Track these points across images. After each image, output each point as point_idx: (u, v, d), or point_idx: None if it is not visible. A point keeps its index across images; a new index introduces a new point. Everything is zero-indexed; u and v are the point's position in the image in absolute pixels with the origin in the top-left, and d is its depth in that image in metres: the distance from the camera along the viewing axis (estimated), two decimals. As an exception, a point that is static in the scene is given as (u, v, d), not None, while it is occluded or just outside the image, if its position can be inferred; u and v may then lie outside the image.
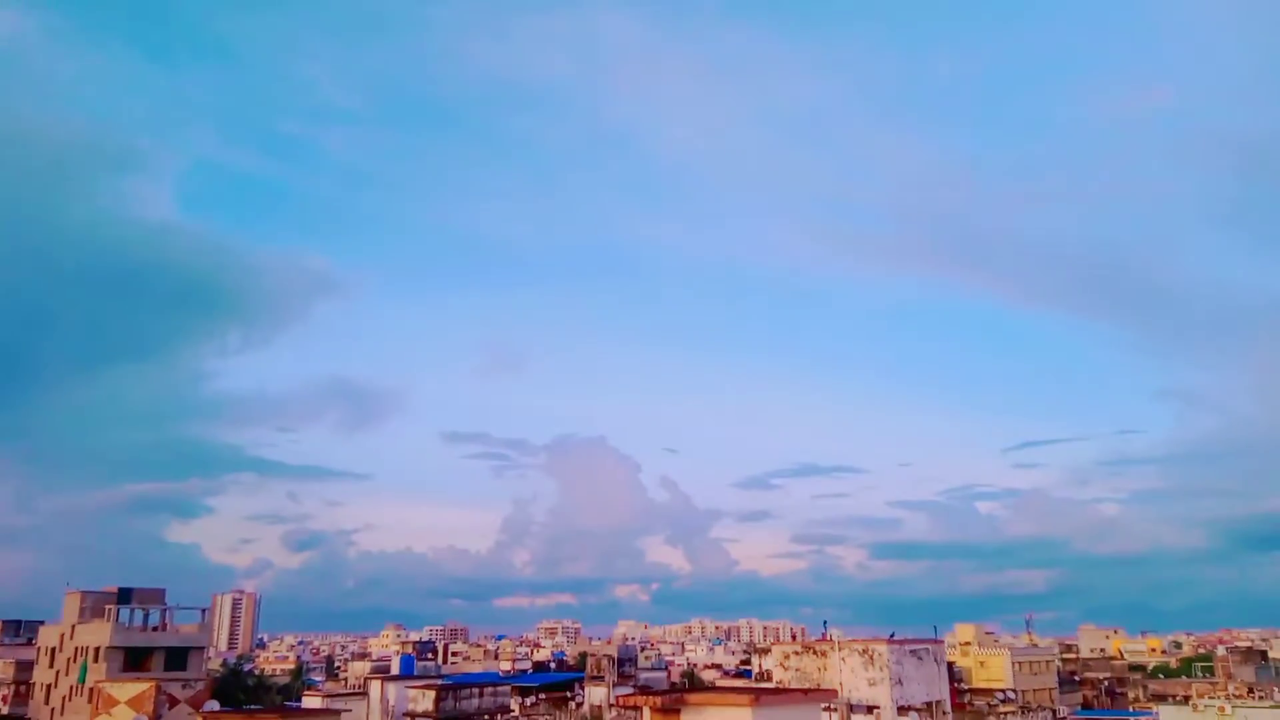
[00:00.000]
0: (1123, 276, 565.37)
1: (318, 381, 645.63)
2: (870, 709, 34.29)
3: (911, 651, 34.74)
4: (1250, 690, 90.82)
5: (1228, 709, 57.47)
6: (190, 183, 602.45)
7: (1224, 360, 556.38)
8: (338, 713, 49.67)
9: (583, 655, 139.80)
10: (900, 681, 33.51)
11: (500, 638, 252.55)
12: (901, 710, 36.06)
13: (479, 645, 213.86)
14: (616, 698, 78.29)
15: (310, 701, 71.92)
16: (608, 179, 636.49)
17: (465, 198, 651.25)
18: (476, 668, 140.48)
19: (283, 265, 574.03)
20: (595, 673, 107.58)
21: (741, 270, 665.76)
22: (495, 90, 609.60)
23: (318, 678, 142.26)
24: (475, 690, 59.00)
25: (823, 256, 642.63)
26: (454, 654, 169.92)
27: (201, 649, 64.18)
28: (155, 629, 63.39)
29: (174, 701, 53.36)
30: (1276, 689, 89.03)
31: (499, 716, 60.68)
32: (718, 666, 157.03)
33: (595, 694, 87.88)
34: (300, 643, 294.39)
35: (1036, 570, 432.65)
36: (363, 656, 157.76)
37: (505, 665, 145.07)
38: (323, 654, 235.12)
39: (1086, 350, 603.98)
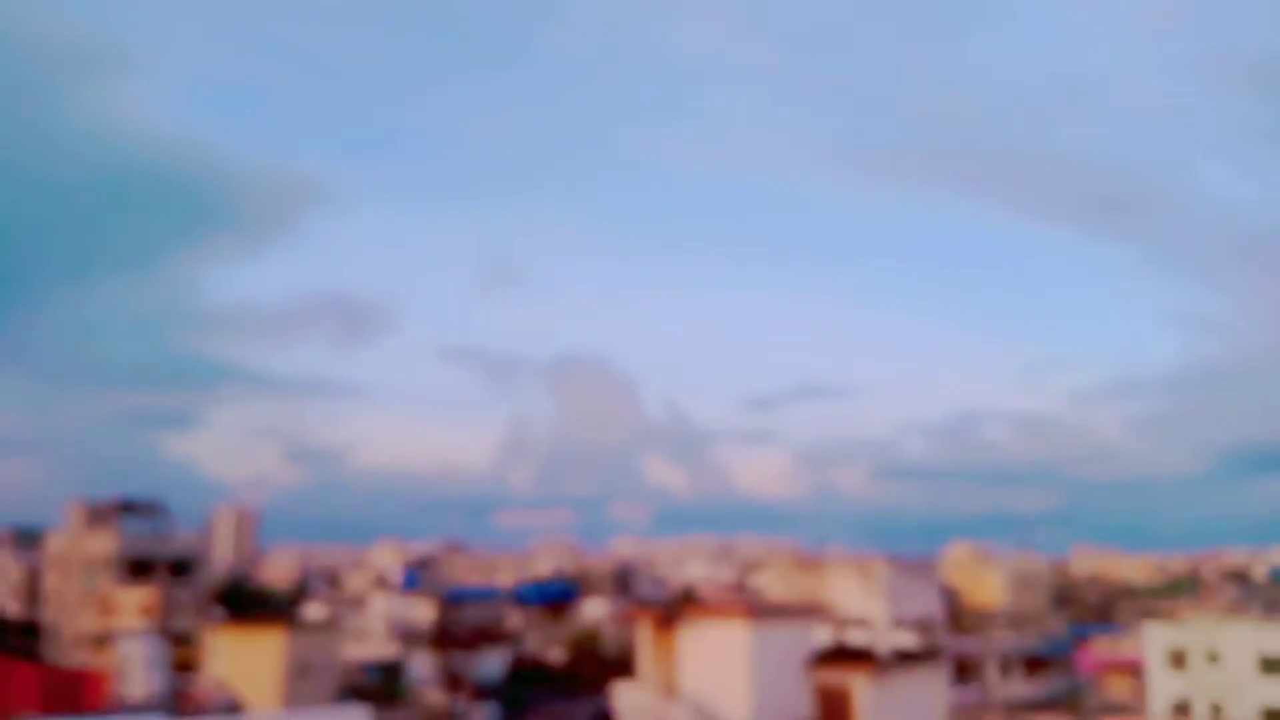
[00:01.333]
0: (1134, 196, 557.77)
1: (311, 295, 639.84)
2: (865, 624, 34.74)
3: (907, 569, 35.04)
4: (1233, 608, 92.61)
5: (1212, 626, 58.64)
6: (178, 85, 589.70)
7: (1235, 284, 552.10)
8: (339, 623, 50.53)
9: (581, 571, 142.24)
10: (895, 598, 33.84)
11: (499, 553, 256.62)
12: (896, 625, 36.52)
13: (478, 560, 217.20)
14: (615, 612, 79.81)
15: (313, 612, 73.29)
16: (612, 89, 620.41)
17: (463, 105, 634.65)
18: (476, 582, 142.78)
19: (274, 173, 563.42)
20: (593, 588, 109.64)
21: (746, 185, 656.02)
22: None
23: (319, 590, 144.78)
24: (475, 604, 59.92)
25: (829, 170, 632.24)
26: (453, 569, 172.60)
27: (203, 560, 64.98)
28: (157, 540, 64.07)
29: (178, 609, 54.24)
30: (1258, 606, 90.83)
31: (498, 629, 61.70)
32: (715, 583, 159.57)
33: (593, 608, 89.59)
34: (301, 555, 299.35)
35: (1036, 491, 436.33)
36: (363, 569, 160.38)
37: (504, 580, 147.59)
38: (323, 566, 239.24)
39: (1095, 271, 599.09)
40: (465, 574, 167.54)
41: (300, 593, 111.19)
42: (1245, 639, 56.71)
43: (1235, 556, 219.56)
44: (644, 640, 32.56)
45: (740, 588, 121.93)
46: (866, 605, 33.84)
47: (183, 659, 44.93)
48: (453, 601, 59.72)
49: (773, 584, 37.08)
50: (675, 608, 35.12)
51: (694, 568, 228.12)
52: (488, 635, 58.80)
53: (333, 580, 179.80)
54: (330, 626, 48.11)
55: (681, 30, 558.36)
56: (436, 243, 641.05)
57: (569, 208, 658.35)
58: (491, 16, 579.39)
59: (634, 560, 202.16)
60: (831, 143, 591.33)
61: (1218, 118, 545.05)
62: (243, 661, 41.46)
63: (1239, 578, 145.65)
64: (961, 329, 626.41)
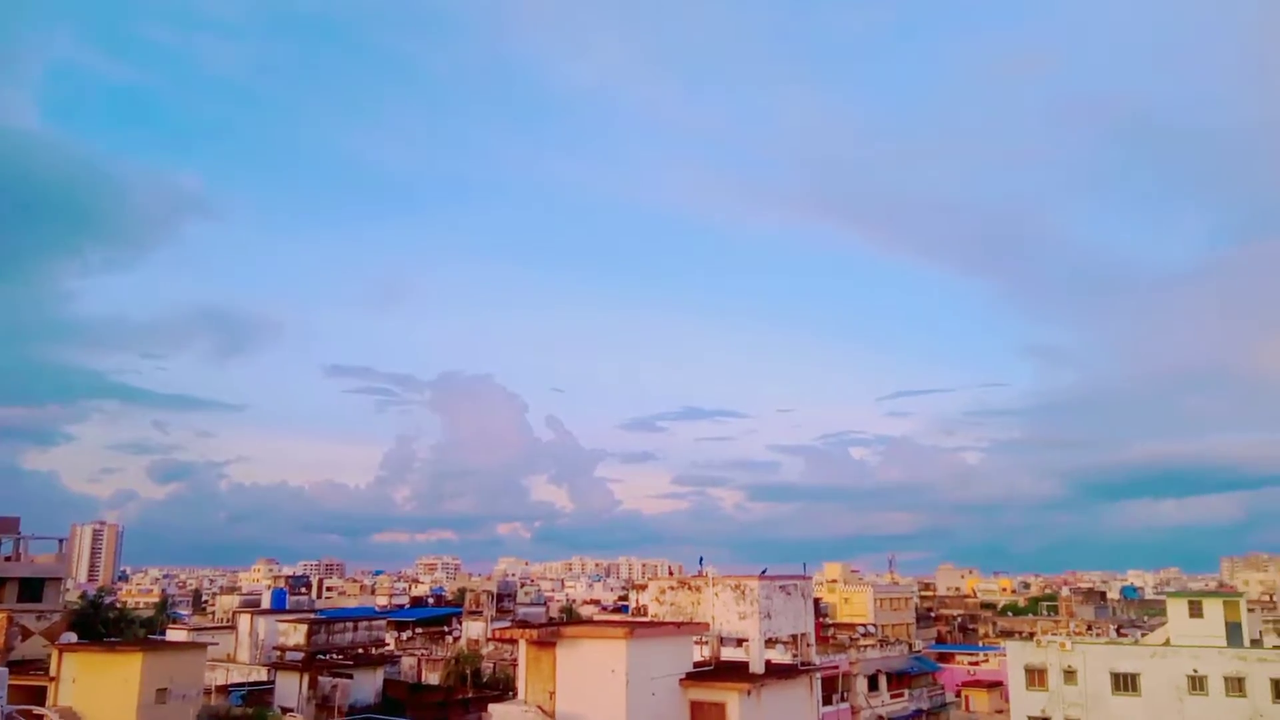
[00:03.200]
0: (996, 235, 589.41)
1: (188, 307, 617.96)
2: (740, 641, 35.46)
3: (781, 587, 35.95)
4: (1089, 627, 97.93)
5: (1068, 644, 61.99)
6: (51, 89, 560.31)
7: (1085, 320, 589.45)
8: (204, 646, 48.50)
9: (462, 591, 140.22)
10: (769, 615, 34.68)
11: (378, 573, 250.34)
12: (769, 642, 37.36)
13: (355, 581, 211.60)
14: (494, 631, 79.00)
15: (175, 635, 69.98)
16: (502, 110, 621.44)
17: (352, 121, 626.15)
18: (352, 603, 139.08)
19: (151, 182, 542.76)
20: (474, 607, 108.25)
21: (634, 210, 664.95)
22: (386, 9, 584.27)
23: (184, 611, 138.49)
24: (349, 624, 58.30)
25: (714, 201, 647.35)
26: (329, 589, 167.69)
27: (59, 580, 61.30)
28: (8, 559, 60.22)
29: (27, 633, 51.09)
30: (1112, 626, 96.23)
31: (373, 650, 60.23)
32: (596, 602, 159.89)
33: (473, 628, 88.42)
34: (166, 576, 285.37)
35: (903, 513, 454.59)
36: (232, 590, 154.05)
37: (382, 600, 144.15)
38: (189, 588, 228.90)
39: (959, 304, 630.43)
40: (342, 594, 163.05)
41: (163, 614, 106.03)
42: (1098, 657, 60.14)
43: (1090, 578, 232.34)
44: (523, 659, 32.52)
45: (621, 606, 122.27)
46: (742, 623, 34.58)
47: (32, 686, 42.37)
48: (326, 622, 57.95)
49: (652, 602, 37.49)
50: (554, 627, 35.16)
51: (576, 586, 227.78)
52: (362, 657, 57.31)
53: (199, 601, 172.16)
54: (194, 649, 46.14)
55: (575, 59, 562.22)
56: (323, 258, 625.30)
57: (460, 227, 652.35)
58: (388, 36, 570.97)
59: (517, 579, 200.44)
60: (718, 175, 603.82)
61: (1075, 163, 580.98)
62: (98, 687, 39.42)
63: (1098, 596, 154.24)
64: (835, 356, 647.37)
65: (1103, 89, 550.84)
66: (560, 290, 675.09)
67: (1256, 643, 59.72)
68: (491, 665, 69.73)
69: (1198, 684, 56.23)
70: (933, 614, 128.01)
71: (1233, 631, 58.50)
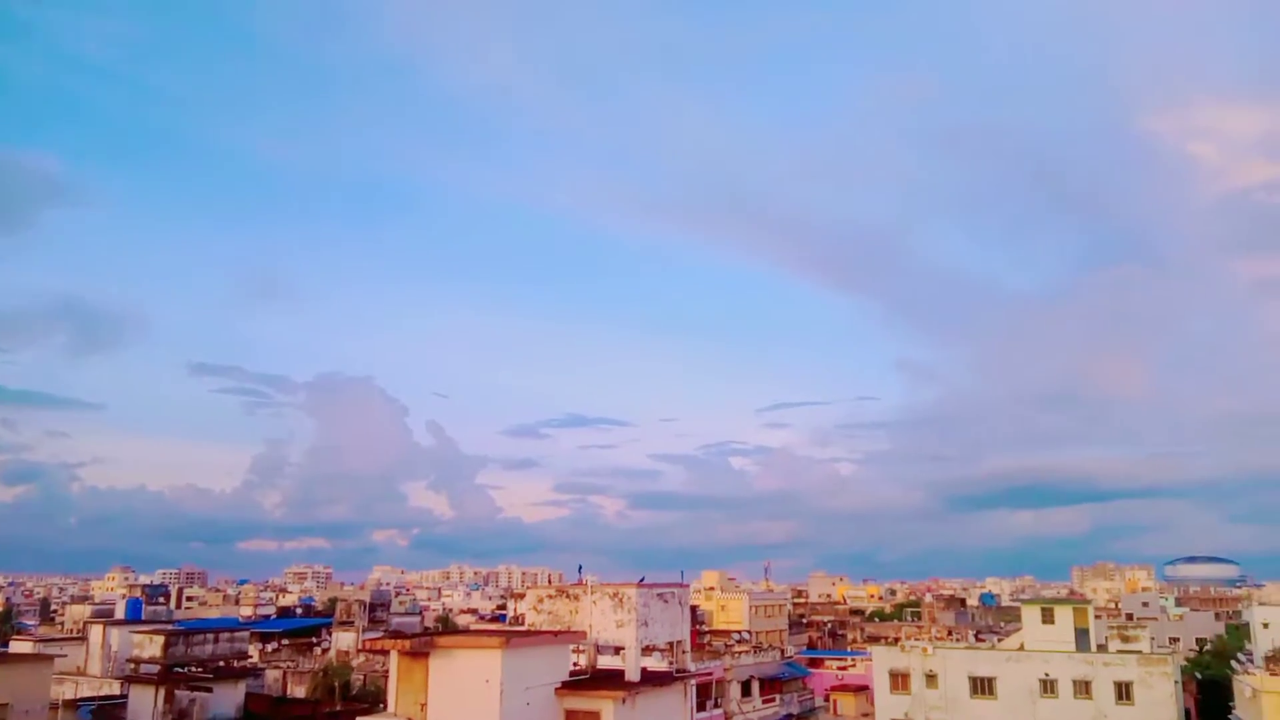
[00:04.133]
0: (873, 254, 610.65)
1: (43, 298, 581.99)
2: (617, 649, 35.51)
3: (659, 595, 36.16)
4: (950, 632, 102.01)
5: (930, 649, 64.48)
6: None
7: (951, 338, 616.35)
8: (51, 658, 45.57)
9: (333, 601, 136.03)
10: (646, 623, 34.83)
11: (243, 582, 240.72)
12: (646, 650, 37.55)
13: (218, 590, 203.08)
14: (365, 642, 76.92)
15: (19, 646, 65.55)
16: (386, 110, 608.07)
17: (232, 112, 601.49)
18: (214, 614, 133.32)
19: (2, 164, 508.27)
20: (345, 618, 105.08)
21: (523, 215, 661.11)
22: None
23: (30, 622, 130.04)
24: (210, 635, 55.66)
25: (604, 209, 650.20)
26: (189, 599, 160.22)
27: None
28: None
29: None
30: (971, 632, 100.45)
31: (235, 663, 57.75)
32: (474, 611, 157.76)
33: (343, 639, 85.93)
34: (11, 584, 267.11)
35: (779, 522, 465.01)
36: (84, 600, 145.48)
37: (246, 611, 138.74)
38: (37, 596, 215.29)
39: (837, 320, 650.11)
40: (204, 604, 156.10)
41: (7, 624, 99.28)
42: (959, 661, 62.74)
43: (952, 585, 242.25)
44: (394, 671, 31.73)
45: (499, 615, 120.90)
46: (619, 631, 34.63)
47: None
48: (185, 634, 55.23)
49: (530, 611, 37.17)
50: (428, 637, 34.44)
51: (454, 595, 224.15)
52: (223, 670, 54.84)
53: (47, 611, 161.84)
54: (39, 661, 43.30)
55: (466, 59, 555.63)
56: (194, 253, 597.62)
57: (341, 227, 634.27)
58: (276, 27, 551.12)
59: (392, 588, 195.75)
60: (610, 182, 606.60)
61: (947, 188, 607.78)
62: (-74, 704, 36.48)
63: (958, 603, 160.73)
64: (718, 367, 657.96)
65: (974, 119, 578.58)
66: (446, 293, 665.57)
67: (1102, 648, 63.32)
68: (362, 677, 67.90)
69: (1049, 687, 59.29)
70: (805, 620, 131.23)
71: (1081, 637, 61.92)
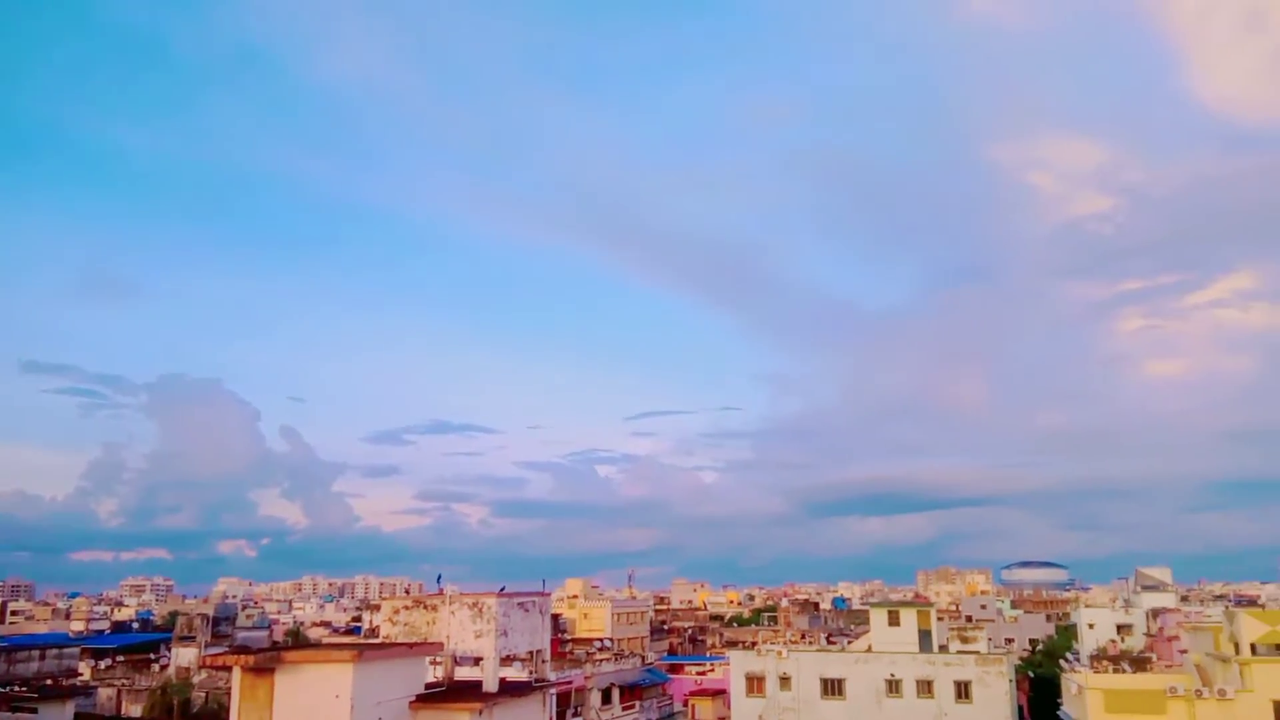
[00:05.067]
0: (740, 269, 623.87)
1: None
2: (477, 660, 34.99)
3: (519, 604, 35.85)
4: (803, 636, 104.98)
5: (784, 653, 66.19)
6: None
7: (811, 352, 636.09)
8: None
9: (173, 615, 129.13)
10: (506, 633, 34.47)
11: (74, 595, 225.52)
12: (506, 660, 37.16)
13: (47, 604, 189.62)
14: (205, 658, 73.21)
15: None
16: (245, 101, 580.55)
17: (62, 92, 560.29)
18: (42, 629, 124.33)
19: None
20: (186, 633, 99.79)
21: (388, 215, 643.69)
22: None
23: None
24: (35, 652, 52.06)
25: (474, 213, 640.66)
26: (14, 613, 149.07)
27: None
28: None
29: None
30: (823, 635, 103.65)
31: (64, 681, 54.05)
32: (327, 624, 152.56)
33: (184, 656, 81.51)
34: None
35: (644, 529, 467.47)
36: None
37: (78, 625, 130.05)
38: None
39: (704, 332, 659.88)
40: (30, 619, 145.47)
41: None
42: (811, 663, 64.62)
43: (807, 589, 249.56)
44: (237, 688, 30.29)
45: (353, 628, 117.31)
46: (478, 641, 34.15)
47: None
48: (7, 650, 51.38)
49: (385, 623, 36.22)
50: (274, 651, 33.07)
51: (306, 608, 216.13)
52: (50, 689, 51.24)
53: None
54: None
55: (330, 50, 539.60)
56: (21, 239, 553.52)
57: (192, 219, 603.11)
58: (120, 8, 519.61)
59: (239, 601, 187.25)
60: (479, 186, 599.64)
61: (810, 208, 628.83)
62: None
63: (812, 607, 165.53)
64: (587, 375, 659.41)
65: (833, 142, 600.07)
66: (303, 293, 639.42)
67: (944, 648, 66.43)
68: (204, 695, 64.62)
69: (894, 687, 61.76)
70: (666, 626, 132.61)
71: (924, 638, 64.78)
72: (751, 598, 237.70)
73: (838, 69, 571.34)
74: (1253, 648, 49.19)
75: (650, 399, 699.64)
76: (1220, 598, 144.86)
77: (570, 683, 61.10)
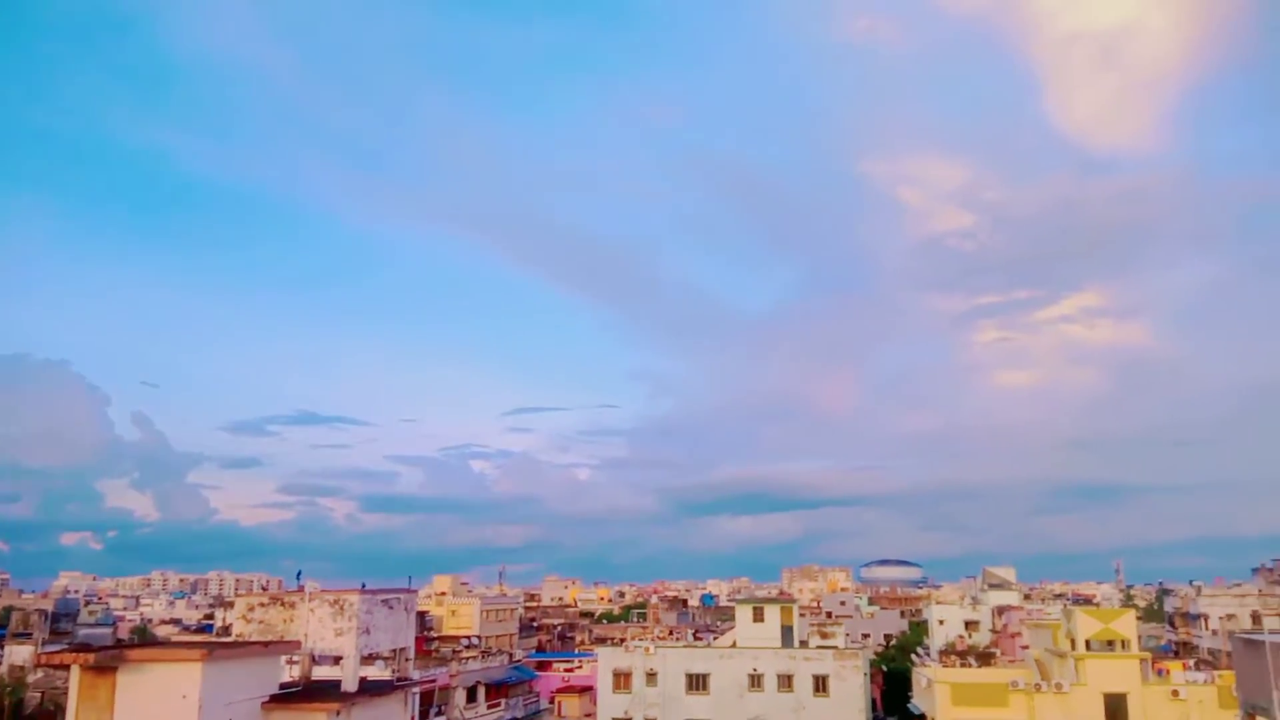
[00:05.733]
0: (619, 266, 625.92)
1: None
2: (337, 659, 34.04)
3: (383, 601, 35.05)
4: (670, 632, 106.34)
5: (651, 649, 66.90)
6: None
7: (687, 352, 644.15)
8: None
9: (7, 610, 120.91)
10: (368, 631, 33.65)
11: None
12: (369, 658, 36.29)
13: None
14: (42, 656, 68.87)
15: None
16: (101, 65, 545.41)
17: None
18: None
19: None
20: (21, 629, 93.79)
21: (257, 197, 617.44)
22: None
23: None
24: None
25: (349, 199, 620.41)
26: None
27: None
28: None
29: None
30: (690, 631, 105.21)
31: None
32: (177, 621, 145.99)
33: (19, 654, 76.50)
34: None
35: (517, 526, 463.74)
36: None
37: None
38: None
39: (584, 329, 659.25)
40: None
41: None
42: (677, 660, 65.53)
43: (677, 587, 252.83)
44: (75, 688, 28.56)
45: (205, 625, 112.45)
46: (339, 640, 33.22)
47: None
48: None
49: (239, 620, 34.83)
50: (117, 650, 31.36)
51: (155, 604, 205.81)
52: None
53: None
54: None
55: (199, 22, 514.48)
56: None
57: (42, 191, 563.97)
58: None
59: (81, 596, 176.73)
60: (360, 173, 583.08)
61: (690, 210, 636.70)
62: None
63: (680, 604, 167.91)
64: (466, 369, 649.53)
65: (717, 146, 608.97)
66: (161, 273, 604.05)
67: (804, 643, 68.43)
68: (39, 695, 60.79)
69: (756, 681, 63.29)
70: (536, 624, 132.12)
71: (786, 634, 66.63)
72: (622, 595, 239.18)
73: (722, 77, 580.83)
74: (1087, 644, 52.52)
75: (528, 395, 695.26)
76: (1060, 596, 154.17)
77: (434, 681, 60.16)
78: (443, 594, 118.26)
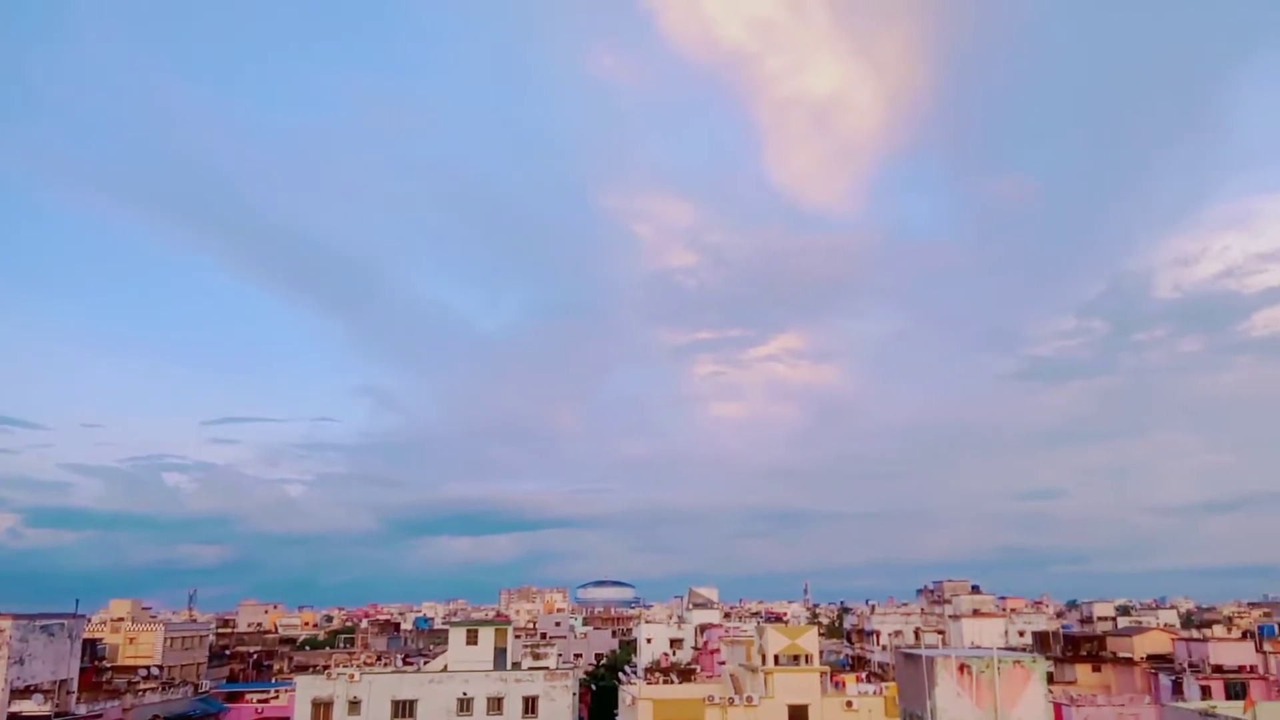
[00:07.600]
0: (348, 277, 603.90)
1: None
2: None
3: (42, 628, 31.26)
4: (379, 658, 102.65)
5: (356, 675, 64.10)
6: None
7: (417, 369, 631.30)
8: None
9: None
10: (21, 660, 29.85)
11: None
12: (24, 691, 32.24)
13: None
14: None
15: None
16: None
17: None
18: None
19: None
20: None
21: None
22: None
23: None
24: None
25: (45, 185, 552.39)
26: None
27: None
28: None
29: None
30: (400, 656, 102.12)
31: None
32: None
33: None
34: None
35: (212, 545, 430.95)
36: None
37: None
38: None
39: (305, 339, 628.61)
40: None
41: None
42: (383, 686, 63.12)
43: (390, 609, 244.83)
44: None
45: None
46: (-16, 672, 29.22)
47: None
48: None
49: None
50: None
51: None
52: None
53: None
54: None
55: None
56: None
57: None
58: None
59: None
60: (55, 154, 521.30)
61: (425, 225, 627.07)
62: None
63: (393, 628, 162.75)
64: (163, 373, 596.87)
65: (461, 167, 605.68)
66: None
67: (517, 665, 68.31)
68: None
69: (466, 705, 62.35)
70: (229, 651, 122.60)
71: (500, 656, 66.23)
72: (330, 619, 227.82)
73: (471, 99, 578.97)
74: (776, 659, 56.45)
75: (235, 403, 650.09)
76: (756, 614, 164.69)
77: (102, 716, 54.23)
78: (120, 620, 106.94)
